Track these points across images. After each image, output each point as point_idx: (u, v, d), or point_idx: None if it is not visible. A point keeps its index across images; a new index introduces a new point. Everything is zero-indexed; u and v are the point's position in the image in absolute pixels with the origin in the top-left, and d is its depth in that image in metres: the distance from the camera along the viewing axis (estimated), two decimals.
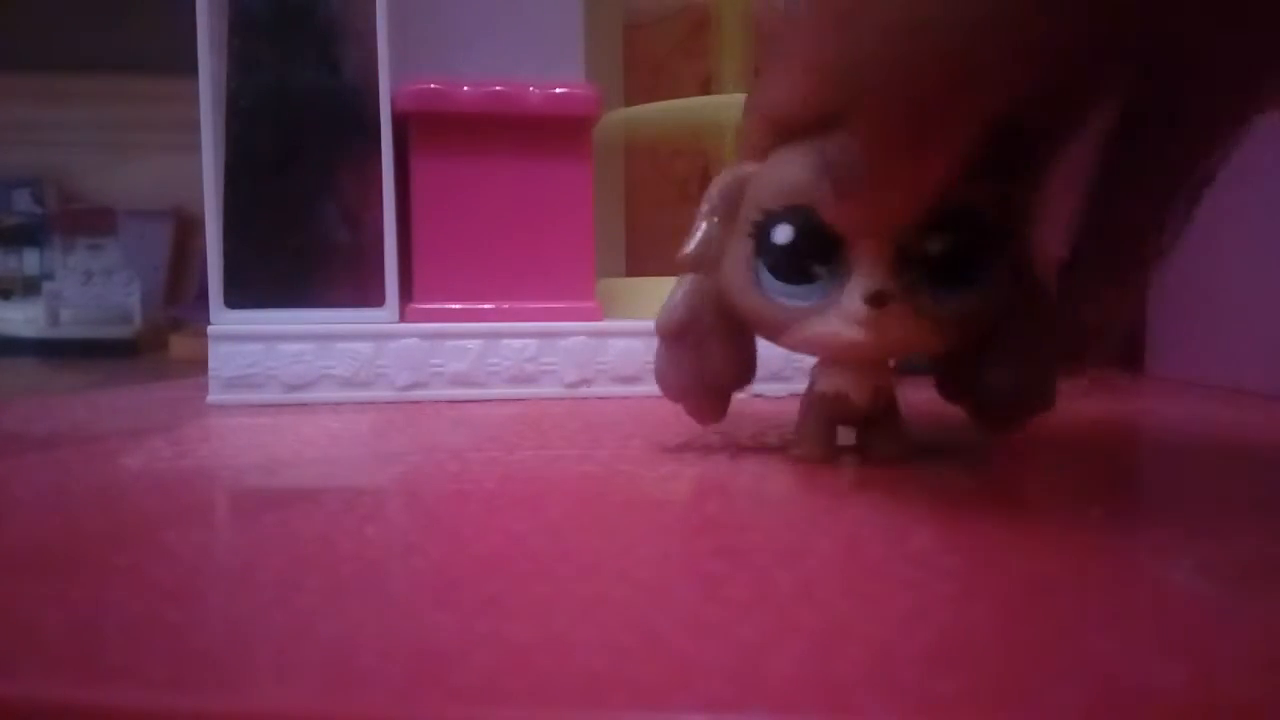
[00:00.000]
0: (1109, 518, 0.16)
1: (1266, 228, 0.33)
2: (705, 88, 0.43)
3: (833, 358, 0.20)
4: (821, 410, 0.20)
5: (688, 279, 0.20)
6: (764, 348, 0.20)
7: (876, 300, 0.17)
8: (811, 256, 0.18)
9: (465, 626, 0.11)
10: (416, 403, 0.32)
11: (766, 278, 0.19)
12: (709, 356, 0.20)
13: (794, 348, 0.20)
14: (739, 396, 0.22)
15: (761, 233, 0.19)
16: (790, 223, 0.18)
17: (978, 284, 0.18)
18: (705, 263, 0.20)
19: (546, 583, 0.12)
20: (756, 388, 0.21)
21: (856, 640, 0.10)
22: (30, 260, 1.09)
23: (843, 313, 0.18)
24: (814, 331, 0.18)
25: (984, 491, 0.18)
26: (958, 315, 0.18)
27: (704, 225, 0.20)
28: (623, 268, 0.44)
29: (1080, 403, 0.32)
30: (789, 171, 0.18)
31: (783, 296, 0.19)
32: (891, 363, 0.21)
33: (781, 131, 0.18)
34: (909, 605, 0.12)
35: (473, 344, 0.32)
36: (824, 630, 0.11)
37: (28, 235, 1.09)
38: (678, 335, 0.20)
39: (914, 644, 0.10)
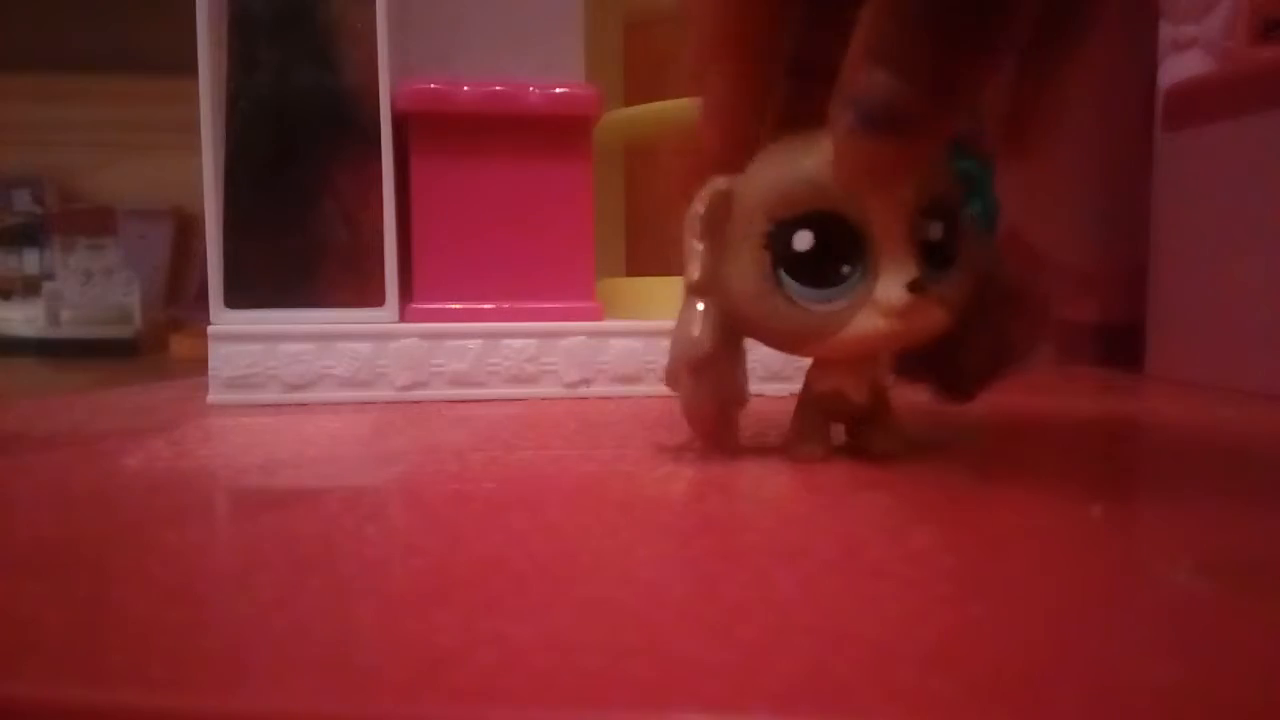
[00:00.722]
0: (1109, 517, 0.16)
1: (1266, 228, 0.33)
2: None
3: (856, 355, 0.20)
4: (819, 409, 0.20)
5: (699, 304, 0.19)
6: (763, 347, 0.20)
7: (917, 287, 0.18)
8: (836, 256, 0.18)
9: (465, 626, 0.11)
10: (416, 403, 0.32)
11: (795, 287, 0.18)
12: (728, 378, 0.20)
13: (828, 353, 0.19)
14: None
15: (777, 242, 0.18)
16: (809, 227, 0.18)
17: (959, 263, 0.19)
18: (713, 285, 0.19)
19: (546, 583, 0.12)
20: (756, 388, 0.21)
21: (856, 640, 0.10)
22: (30, 260, 1.09)
23: (880, 305, 0.18)
24: (856, 330, 0.18)
25: (983, 490, 0.18)
26: (956, 295, 0.19)
27: (700, 246, 0.19)
28: (623, 268, 0.44)
29: (1080, 403, 0.32)
30: (793, 172, 0.18)
31: (814, 302, 0.18)
32: (892, 357, 0.21)
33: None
34: (909, 605, 0.12)
35: (473, 344, 0.32)
36: (824, 630, 0.11)
37: (28, 235, 1.09)
38: (709, 363, 0.19)
39: (914, 644, 0.10)
